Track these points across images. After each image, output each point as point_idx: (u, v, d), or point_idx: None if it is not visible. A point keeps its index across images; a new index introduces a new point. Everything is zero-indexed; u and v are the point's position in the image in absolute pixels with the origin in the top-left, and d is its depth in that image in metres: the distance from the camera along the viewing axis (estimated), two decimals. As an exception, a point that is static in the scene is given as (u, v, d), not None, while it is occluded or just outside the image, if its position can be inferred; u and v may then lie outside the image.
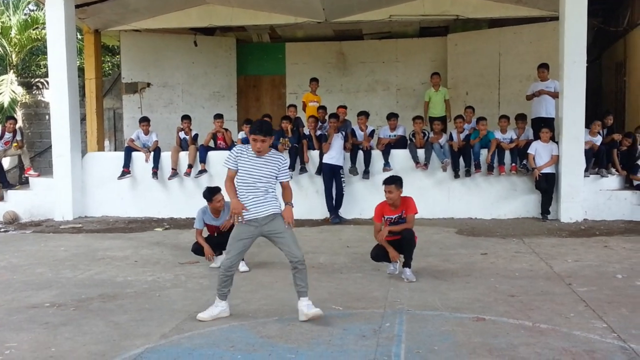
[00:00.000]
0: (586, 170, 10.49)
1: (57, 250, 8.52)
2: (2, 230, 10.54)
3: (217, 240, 7.16)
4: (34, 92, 17.25)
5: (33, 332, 4.93)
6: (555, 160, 10.40)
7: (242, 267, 6.91)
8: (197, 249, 7.23)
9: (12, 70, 17.03)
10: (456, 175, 10.82)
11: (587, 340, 4.49)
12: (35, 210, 11.48)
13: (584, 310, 5.26)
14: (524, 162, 10.62)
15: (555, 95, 11.07)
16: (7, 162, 12.94)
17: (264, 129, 5.09)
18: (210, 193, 7.11)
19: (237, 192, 5.15)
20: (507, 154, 10.80)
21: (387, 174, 10.70)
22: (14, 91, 16.20)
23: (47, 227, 10.74)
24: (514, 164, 10.71)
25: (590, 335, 4.60)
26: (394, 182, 6.52)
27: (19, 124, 15.90)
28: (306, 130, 11.59)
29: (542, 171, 10.40)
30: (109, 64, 20.34)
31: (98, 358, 4.33)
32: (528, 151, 10.57)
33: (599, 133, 10.97)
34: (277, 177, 5.21)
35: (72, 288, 6.34)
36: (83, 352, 4.44)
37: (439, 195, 10.76)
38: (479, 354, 4.23)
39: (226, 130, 11.84)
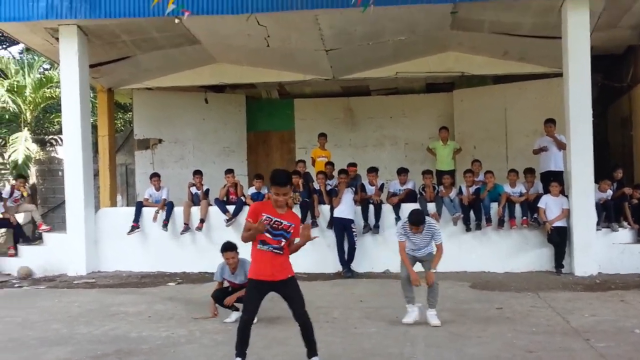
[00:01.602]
0: (598, 223, 10.48)
1: (71, 305, 8.51)
2: (17, 285, 10.56)
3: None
4: (47, 149, 17.49)
5: (49, 390, 4.92)
6: (566, 213, 10.41)
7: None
8: (217, 297, 7.23)
9: (26, 128, 17.29)
10: (468, 229, 10.85)
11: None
12: (48, 266, 11.48)
13: (604, 366, 5.22)
14: (535, 215, 10.65)
15: (561, 144, 11.13)
16: (20, 218, 13.01)
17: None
18: (223, 248, 7.16)
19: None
20: (518, 208, 10.84)
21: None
22: (28, 148, 16.43)
23: (60, 282, 10.74)
24: (525, 218, 10.74)
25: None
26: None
27: (33, 180, 16.10)
28: (316, 185, 11.70)
29: (554, 225, 10.39)
30: (121, 120, 20.69)
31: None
32: (538, 205, 10.59)
33: (609, 188, 11.01)
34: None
35: (87, 344, 6.32)
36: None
37: (451, 249, 10.55)
38: None
39: (236, 185, 11.94)
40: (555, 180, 10.84)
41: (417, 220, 6.86)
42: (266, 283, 5.12)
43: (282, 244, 5.15)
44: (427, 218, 7.10)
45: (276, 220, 5.11)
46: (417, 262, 7.14)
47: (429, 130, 15.36)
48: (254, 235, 5.06)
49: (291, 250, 5.22)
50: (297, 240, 5.19)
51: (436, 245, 7.00)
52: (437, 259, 6.97)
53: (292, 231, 5.17)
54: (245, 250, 5.80)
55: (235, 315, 7.05)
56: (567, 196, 10.58)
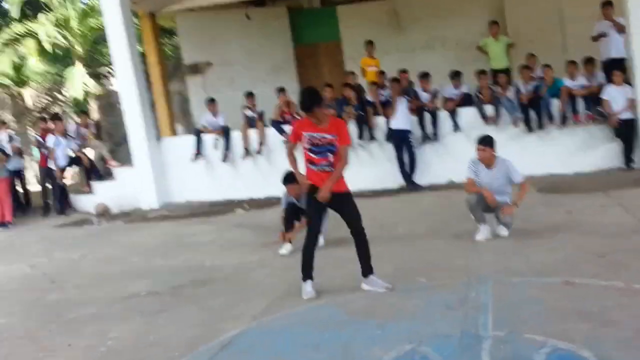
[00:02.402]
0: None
1: (147, 239, 8.89)
2: (96, 222, 10.99)
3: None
4: (103, 83, 17.63)
5: (132, 322, 5.21)
6: (632, 104, 9.96)
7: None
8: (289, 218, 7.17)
9: (80, 62, 17.41)
10: (530, 129, 10.53)
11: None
12: (122, 201, 11.74)
13: (679, 265, 5.09)
14: (600, 108, 10.22)
15: (621, 27, 10.51)
16: (92, 155, 13.39)
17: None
18: (284, 180, 7.04)
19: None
20: (581, 102, 10.45)
21: (459, 135, 10.75)
22: (85, 84, 16.59)
23: (136, 216, 11.13)
24: (589, 112, 10.34)
25: (689, 291, 4.45)
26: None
27: (95, 116, 16.35)
28: (369, 97, 11.53)
29: (620, 117, 9.99)
30: (169, 46, 20.59)
31: (195, 342, 4.53)
32: (602, 96, 10.15)
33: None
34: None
35: (165, 276, 6.63)
36: (181, 338, 4.66)
37: (514, 152, 10.32)
38: (570, 320, 4.13)
39: (289, 103, 11.90)
40: (618, 69, 10.32)
41: (482, 138, 6.61)
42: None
43: (330, 158, 5.15)
44: (500, 156, 6.68)
45: (317, 136, 5.10)
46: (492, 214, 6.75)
47: (480, 26, 14.59)
48: (291, 161, 5.30)
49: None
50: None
51: (520, 185, 6.63)
52: (522, 194, 6.61)
53: (337, 143, 5.15)
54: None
55: (288, 248, 7.02)
56: (631, 85, 10.10)
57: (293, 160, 5.38)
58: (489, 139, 6.64)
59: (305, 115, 5.13)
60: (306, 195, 5.34)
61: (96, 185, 12.46)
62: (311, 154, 5.14)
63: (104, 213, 11.55)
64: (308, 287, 5.32)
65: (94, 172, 12.77)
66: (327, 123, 5.14)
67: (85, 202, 12.26)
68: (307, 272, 5.34)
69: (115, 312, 5.54)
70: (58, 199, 12.26)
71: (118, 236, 9.43)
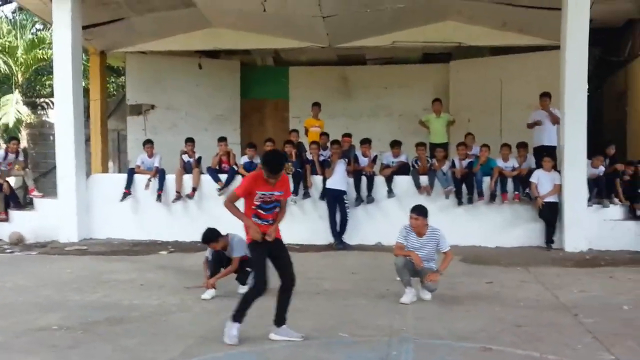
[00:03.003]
0: (589, 199, 10.53)
1: (62, 272, 8.53)
2: (8, 251, 10.56)
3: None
4: (39, 112, 17.31)
5: (41, 356, 4.93)
6: (558, 189, 10.42)
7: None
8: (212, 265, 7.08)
9: (17, 90, 17.09)
10: (459, 203, 10.88)
11: (595, 373, 4.51)
12: (40, 232, 11.41)
13: (591, 342, 5.27)
14: (527, 190, 10.67)
15: (556, 118, 11.09)
16: (12, 183, 12.92)
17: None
18: (205, 239, 6.98)
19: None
20: (510, 183, 10.86)
21: (392, 200, 10.95)
22: (19, 111, 16.26)
23: (52, 248, 10.74)
24: (517, 193, 10.76)
25: (599, 368, 4.61)
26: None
27: (24, 144, 15.92)
28: (309, 155, 11.65)
29: (545, 200, 10.42)
30: (114, 84, 20.46)
31: (107, 384, 4.33)
32: (530, 179, 10.60)
33: (602, 164, 11.02)
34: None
35: (79, 311, 6.34)
36: (92, 377, 4.45)
37: (443, 222, 10.52)
38: None
39: (229, 153, 11.89)
40: (548, 155, 10.82)
41: (418, 208, 6.74)
42: (266, 242, 5.21)
43: (276, 213, 5.32)
44: (431, 226, 6.83)
45: (269, 195, 5.21)
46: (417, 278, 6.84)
47: (424, 101, 15.16)
48: (238, 216, 5.24)
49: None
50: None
51: (444, 253, 6.77)
52: (446, 263, 6.76)
53: (282, 199, 5.34)
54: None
55: (209, 294, 6.91)
56: (559, 171, 10.59)
57: (238, 211, 5.28)
58: (423, 209, 6.78)
59: (268, 176, 5.12)
60: (251, 246, 5.31)
61: (14, 213, 12.01)
62: (260, 210, 5.23)
63: (18, 242, 11.14)
64: (234, 331, 5.22)
65: (12, 199, 12.30)
66: (276, 182, 5.21)
67: (0, 230, 11.76)
68: (240, 315, 5.26)
69: (22, 344, 5.23)
70: (-30, 224, 11.68)
71: (31, 267, 9.01)
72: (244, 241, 7.00)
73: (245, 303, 5.27)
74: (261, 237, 5.18)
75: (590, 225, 10.32)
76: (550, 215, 10.43)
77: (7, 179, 12.48)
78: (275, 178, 5.14)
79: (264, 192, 5.18)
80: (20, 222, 11.73)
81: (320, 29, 12.94)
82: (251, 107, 16.83)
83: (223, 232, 7.04)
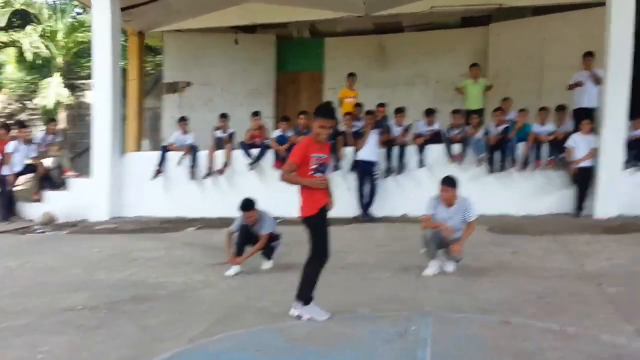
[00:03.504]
0: (627, 162, 10.08)
1: (91, 251, 8.69)
2: (39, 231, 10.79)
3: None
4: (77, 94, 17.69)
5: (66, 336, 5.03)
6: (594, 153, 10.04)
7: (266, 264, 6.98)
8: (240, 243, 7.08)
9: (58, 73, 17.47)
10: (491, 170, 10.62)
11: (615, 344, 4.36)
12: (72, 211, 11.59)
13: (613, 312, 5.10)
14: (562, 155, 10.31)
15: (598, 78, 10.65)
16: (49, 163, 13.25)
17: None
18: (242, 207, 6.97)
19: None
20: (545, 148, 10.53)
21: (422, 170, 10.77)
22: (59, 93, 16.63)
23: (82, 227, 10.96)
24: (550, 158, 10.42)
25: (618, 339, 4.46)
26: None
27: (62, 125, 16.30)
28: (342, 127, 11.54)
29: (581, 165, 10.07)
30: (151, 63, 20.68)
31: (129, 361, 4.37)
32: (566, 144, 10.25)
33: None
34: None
35: (106, 290, 6.46)
36: (114, 357, 4.51)
37: (473, 191, 10.31)
38: (505, 358, 4.14)
39: (261, 127, 11.87)
40: (588, 117, 10.42)
41: (448, 180, 6.56)
42: (325, 212, 5.25)
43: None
44: (460, 195, 6.65)
45: (323, 157, 5.18)
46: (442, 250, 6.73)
47: (462, 67, 14.73)
48: (298, 182, 5.14)
49: None
50: None
51: (468, 223, 6.61)
52: (468, 232, 6.60)
53: (329, 162, 5.32)
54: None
55: (234, 270, 6.94)
56: (597, 134, 10.18)
57: (297, 177, 5.15)
58: (453, 180, 6.60)
59: (320, 124, 5.03)
60: (314, 218, 5.20)
61: (47, 194, 12.28)
62: (318, 174, 5.17)
63: (49, 222, 11.38)
64: (317, 308, 5.22)
65: (47, 180, 12.61)
66: (322, 144, 5.20)
67: (33, 210, 12.04)
68: (311, 295, 5.23)
69: (49, 325, 5.34)
70: (4, 205, 12.01)
71: (61, 246, 9.20)
72: (273, 219, 7.07)
73: (312, 281, 5.22)
74: (319, 211, 5.15)
75: (623, 190, 9.89)
76: (584, 180, 10.07)
77: (45, 160, 12.81)
78: (329, 124, 5.07)
79: (318, 154, 5.11)
80: (54, 202, 11.96)
81: (356, -4, 12.70)
82: (286, 80, 16.79)
83: None
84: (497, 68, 14.71)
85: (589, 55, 11.12)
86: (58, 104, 16.47)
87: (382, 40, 16.32)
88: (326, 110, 5.20)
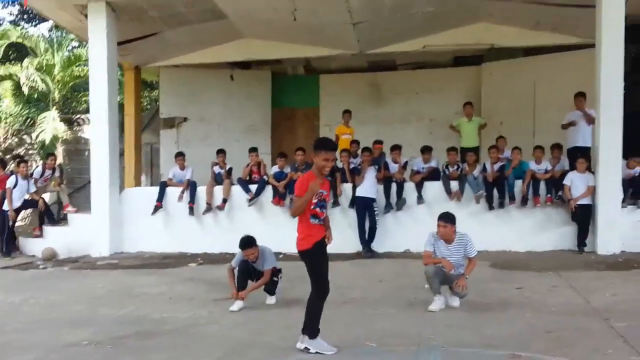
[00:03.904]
0: (623, 201, 10.27)
1: (94, 287, 8.65)
2: (41, 267, 10.74)
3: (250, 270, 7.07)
4: (74, 129, 17.71)
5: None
6: (592, 191, 10.21)
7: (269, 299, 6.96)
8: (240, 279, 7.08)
9: (54, 107, 17.52)
10: (490, 207, 10.74)
11: (626, 379, 4.40)
12: (73, 247, 11.59)
13: (622, 346, 5.14)
14: (560, 193, 10.47)
15: (591, 118, 10.86)
16: (47, 198, 13.22)
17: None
18: (242, 245, 6.97)
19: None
20: (543, 185, 10.67)
21: (421, 207, 10.87)
22: (55, 128, 16.65)
23: (84, 263, 10.90)
24: (549, 195, 10.57)
25: (629, 373, 4.50)
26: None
27: (59, 160, 16.29)
28: (339, 164, 11.63)
29: (579, 202, 10.23)
30: (147, 98, 20.82)
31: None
32: (564, 182, 10.41)
33: (638, 165, 10.73)
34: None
35: (109, 325, 6.42)
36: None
37: (473, 227, 10.43)
38: None
39: (260, 164, 11.94)
40: (583, 156, 10.60)
41: (445, 216, 6.63)
42: (324, 246, 5.34)
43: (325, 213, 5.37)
44: (459, 231, 6.74)
45: (323, 193, 5.28)
46: (446, 286, 6.76)
47: (456, 105, 15.01)
48: (305, 204, 5.17)
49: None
50: None
51: (469, 259, 6.69)
52: (470, 268, 6.69)
53: (327, 199, 5.43)
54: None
55: (238, 305, 6.93)
56: (593, 173, 10.36)
57: (301, 200, 5.22)
58: (451, 216, 6.69)
59: (324, 157, 5.09)
60: (312, 251, 5.26)
61: (48, 229, 12.26)
62: (318, 209, 5.25)
63: (51, 257, 11.33)
64: (324, 343, 5.25)
65: (47, 215, 12.59)
66: (322, 180, 5.28)
67: (34, 246, 12.02)
68: (317, 329, 5.27)
69: (55, 360, 5.31)
70: (5, 241, 11.93)
71: (63, 282, 9.15)
72: (273, 253, 7.10)
73: (315, 314, 5.26)
74: (316, 245, 5.23)
75: (624, 228, 10.07)
76: (584, 217, 10.23)
77: (43, 195, 12.79)
78: (332, 157, 5.15)
79: (321, 190, 5.20)
80: (54, 237, 11.94)
81: (350, 36, 12.97)
82: (282, 116, 16.94)
83: None
84: (490, 107, 14.96)
85: (580, 95, 11.38)
86: (55, 138, 16.47)
87: (377, 77, 16.57)
88: (328, 143, 5.28)
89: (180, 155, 12.25)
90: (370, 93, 16.49)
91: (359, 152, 11.71)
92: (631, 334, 5.45)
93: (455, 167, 11.25)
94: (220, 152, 12.21)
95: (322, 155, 5.10)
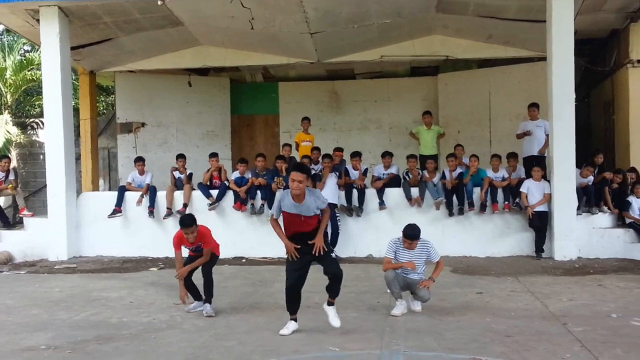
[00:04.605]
0: (578, 208, 10.57)
1: (51, 291, 8.46)
2: (-4, 270, 10.48)
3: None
4: (28, 132, 17.34)
5: (28, 376, 4.89)
6: (548, 198, 10.49)
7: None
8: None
9: (6, 111, 17.11)
10: (450, 214, 10.93)
11: (584, 381, 4.52)
12: (29, 251, 11.37)
13: (579, 350, 5.27)
14: (517, 200, 10.72)
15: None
16: (1, 202, 12.87)
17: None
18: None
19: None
20: (500, 193, 10.90)
21: (383, 213, 10.98)
22: (8, 131, 16.29)
23: (41, 267, 10.66)
24: (507, 202, 10.80)
25: (586, 376, 4.62)
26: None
27: (14, 164, 15.91)
28: (300, 170, 11.64)
29: (535, 209, 10.49)
30: (104, 103, 20.50)
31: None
32: (520, 189, 10.69)
33: (591, 174, 11.08)
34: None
35: (68, 330, 6.30)
36: (79, 397, 4.42)
37: (434, 234, 10.63)
38: None
39: (220, 169, 11.88)
40: (538, 165, 10.90)
41: (412, 234, 6.63)
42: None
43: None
44: (422, 238, 6.75)
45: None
46: (407, 291, 6.84)
47: (414, 114, 15.35)
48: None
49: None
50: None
51: (436, 262, 6.76)
52: (438, 271, 6.76)
53: None
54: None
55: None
56: (549, 181, 10.65)
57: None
58: (416, 232, 6.66)
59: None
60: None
61: (3, 232, 11.96)
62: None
63: (7, 261, 11.07)
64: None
65: (2, 219, 12.30)
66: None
67: (-12, 250, 11.68)
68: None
69: (9, 365, 5.19)
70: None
71: (20, 286, 8.92)
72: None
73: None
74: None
75: (579, 234, 10.37)
76: (540, 224, 10.50)
77: (-2, 198, 12.49)
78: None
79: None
80: (10, 241, 11.64)
81: (308, 45, 13.04)
82: (242, 122, 16.94)
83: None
84: (446, 116, 15.27)
85: (533, 105, 11.74)
86: (8, 142, 16.09)
87: (335, 86, 16.73)
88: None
89: (139, 160, 12.10)
90: (330, 101, 16.64)
91: (320, 158, 11.77)
92: (588, 339, 5.60)
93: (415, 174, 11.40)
94: (180, 157, 12.10)
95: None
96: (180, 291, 6.88)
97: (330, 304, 6.15)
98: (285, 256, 5.97)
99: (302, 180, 5.65)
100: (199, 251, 6.91)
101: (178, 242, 6.94)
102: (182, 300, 6.88)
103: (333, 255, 6.14)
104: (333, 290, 6.12)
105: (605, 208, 10.89)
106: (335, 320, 6.04)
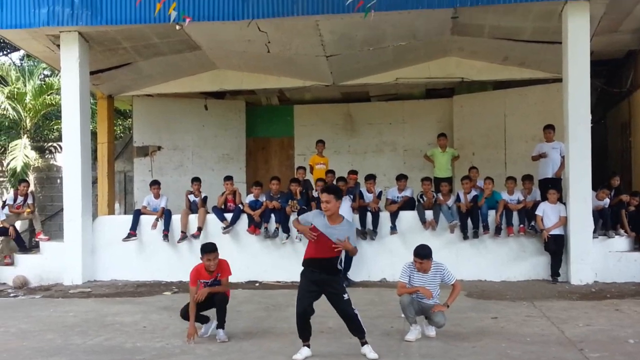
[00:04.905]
0: (595, 231, 10.43)
1: (66, 315, 8.49)
2: (12, 295, 10.53)
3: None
4: (46, 156, 17.53)
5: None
6: (564, 221, 10.38)
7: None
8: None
9: (25, 135, 17.33)
10: (465, 237, 10.84)
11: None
12: (45, 275, 11.41)
13: (597, 377, 5.20)
14: (532, 223, 10.62)
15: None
16: (17, 226, 12.98)
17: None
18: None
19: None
20: (515, 216, 10.81)
21: (397, 236, 10.93)
22: (27, 155, 16.47)
23: (56, 291, 10.70)
24: (522, 225, 10.70)
25: (604, 403, 4.54)
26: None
27: (31, 187, 16.09)
28: (315, 193, 11.67)
29: (551, 233, 10.38)
30: (121, 127, 20.70)
31: None
32: (536, 212, 10.58)
33: (607, 197, 10.96)
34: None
35: (82, 355, 6.30)
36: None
37: (448, 257, 10.49)
38: None
39: (235, 192, 11.92)
40: (554, 188, 10.81)
41: (423, 254, 6.61)
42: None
43: None
44: (435, 260, 6.75)
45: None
46: (422, 316, 6.80)
47: (429, 136, 15.33)
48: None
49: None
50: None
51: (452, 285, 6.71)
52: (454, 295, 6.69)
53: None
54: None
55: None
56: (564, 204, 10.55)
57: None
58: (427, 251, 6.65)
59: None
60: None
61: (19, 257, 12.05)
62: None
63: (22, 285, 11.14)
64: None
65: (18, 243, 12.37)
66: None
67: (4, 274, 11.76)
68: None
69: (23, 390, 5.21)
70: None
71: (35, 310, 8.95)
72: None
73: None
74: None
75: (596, 258, 10.23)
76: (556, 247, 10.37)
77: (16, 222, 12.57)
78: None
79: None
80: (26, 265, 11.73)
81: (323, 68, 13.13)
82: (257, 145, 17.03)
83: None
84: (461, 138, 15.24)
85: (549, 127, 11.68)
86: (26, 166, 16.28)
87: (350, 108, 16.78)
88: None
89: (155, 184, 12.18)
90: (344, 123, 16.68)
91: (334, 181, 11.77)
92: (604, 364, 5.53)
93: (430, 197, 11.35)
94: (196, 180, 12.17)
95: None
96: (190, 327, 6.71)
97: (363, 344, 6.04)
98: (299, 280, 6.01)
99: (329, 200, 5.77)
100: (215, 285, 6.87)
101: (195, 277, 6.88)
102: (191, 336, 6.66)
103: (345, 296, 6.00)
104: (354, 330, 6.05)
105: (622, 231, 10.75)
106: (371, 355, 5.91)
